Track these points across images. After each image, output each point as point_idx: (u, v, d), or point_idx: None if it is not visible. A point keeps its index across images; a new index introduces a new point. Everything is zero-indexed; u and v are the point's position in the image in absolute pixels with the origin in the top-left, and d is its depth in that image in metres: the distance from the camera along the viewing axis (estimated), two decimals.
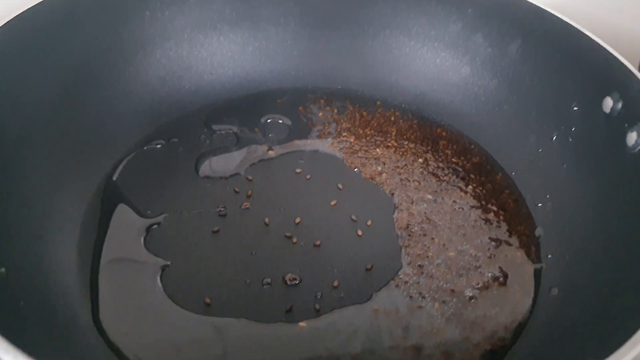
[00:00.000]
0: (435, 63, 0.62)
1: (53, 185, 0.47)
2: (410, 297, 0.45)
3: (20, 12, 0.47)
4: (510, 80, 0.58)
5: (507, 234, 0.50)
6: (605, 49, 0.49)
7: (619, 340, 0.32)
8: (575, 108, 0.51)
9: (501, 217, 0.52)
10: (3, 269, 0.39)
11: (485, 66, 0.59)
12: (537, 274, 0.48)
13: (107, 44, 0.55)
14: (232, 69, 0.62)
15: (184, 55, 0.60)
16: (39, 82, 0.49)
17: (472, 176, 0.55)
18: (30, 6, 0.48)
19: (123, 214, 0.50)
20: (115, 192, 0.51)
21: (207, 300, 0.44)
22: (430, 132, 0.59)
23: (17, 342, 0.30)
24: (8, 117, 0.45)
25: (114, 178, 0.52)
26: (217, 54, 0.62)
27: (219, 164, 0.55)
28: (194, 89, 0.60)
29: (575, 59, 0.51)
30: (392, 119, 0.61)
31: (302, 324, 0.43)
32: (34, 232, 0.43)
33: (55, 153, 0.49)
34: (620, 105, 0.46)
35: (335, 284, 0.46)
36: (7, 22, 0.46)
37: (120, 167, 0.53)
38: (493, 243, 0.50)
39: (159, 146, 0.56)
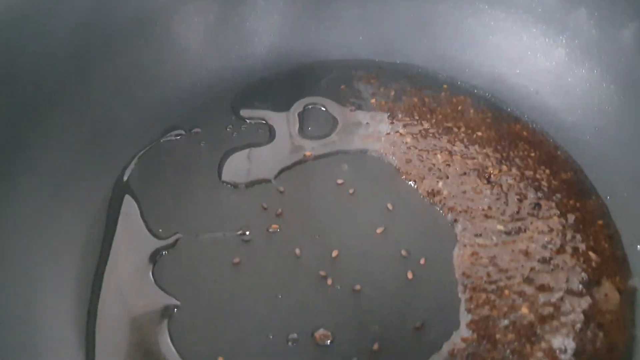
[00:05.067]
0: (522, 40, 0.50)
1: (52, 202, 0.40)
2: None
3: None
4: (618, 72, 0.45)
5: (595, 285, 0.40)
6: None
7: None
8: None
9: (590, 261, 0.41)
10: None
11: (586, 51, 0.47)
12: (629, 343, 0.38)
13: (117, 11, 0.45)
14: (269, 38, 0.52)
15: (210, 21, 0.50)
16: (42, 59, 0.41)
17: (558, 197, 0.44)
18: None
19: (131, 224, 0.42)
20: (125, 194, 0.44)
21: (221, 359, 0.37)
22: (507, 130, 0.48)
23: None
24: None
25: (125, 178, 0.45)
26: (251, 19, 0.51)
27: (245, 166, 0.46)
28: (221, 66, 0.51)
29: None
30: (460, 108, 0.49)
31: None
32: (26, 273, 0.37)
33: (57, 154, 0.42)
34: None
35: (376, 347, 0.37)
36: None
37: (132, 164, 0.46)
38: (576, 298, 0.40)
39: (178, 137, 0.47)
